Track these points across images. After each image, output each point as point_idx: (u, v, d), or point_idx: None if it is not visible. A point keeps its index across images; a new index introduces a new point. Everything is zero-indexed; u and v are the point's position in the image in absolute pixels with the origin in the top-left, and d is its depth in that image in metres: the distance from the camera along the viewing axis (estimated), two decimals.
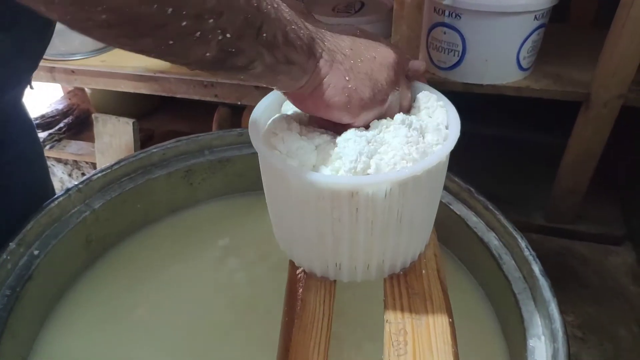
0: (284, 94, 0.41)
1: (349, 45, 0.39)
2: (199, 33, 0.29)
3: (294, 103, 0.41)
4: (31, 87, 0.58)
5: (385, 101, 0.41)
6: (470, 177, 0.63)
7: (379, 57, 0.40)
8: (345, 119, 0.40)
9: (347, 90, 0.38)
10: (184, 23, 0.28)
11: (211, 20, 0.29)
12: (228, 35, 0.30)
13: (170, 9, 0.27)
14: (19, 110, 0.61)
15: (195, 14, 0.28)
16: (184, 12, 0.27)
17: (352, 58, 0.39)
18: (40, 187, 0.67)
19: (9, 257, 0.53)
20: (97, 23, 0.26)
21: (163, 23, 0.27)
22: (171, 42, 0.29)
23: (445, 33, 0.93)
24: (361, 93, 0.38)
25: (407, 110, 0.45)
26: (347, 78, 0.38)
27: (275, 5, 0.33)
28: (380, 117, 0.42)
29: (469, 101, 0.99)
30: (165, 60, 0.31)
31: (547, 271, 0.51)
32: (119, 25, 0.26)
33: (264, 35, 0.32)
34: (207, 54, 0.30)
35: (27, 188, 0.62)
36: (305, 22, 0.37)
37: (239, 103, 1.13)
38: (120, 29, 0.27)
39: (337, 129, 0.41)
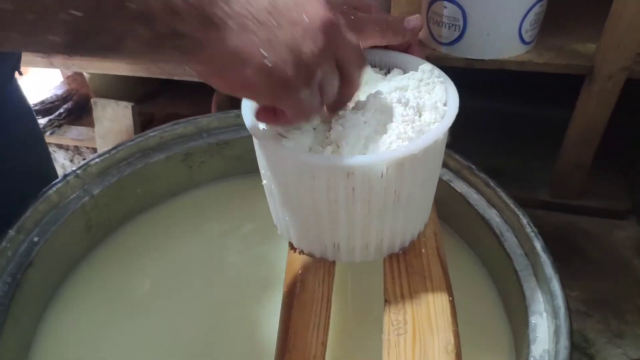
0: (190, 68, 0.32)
1: (265, 6, 0.30)
2: (31, 16, 0.22)
3: (202, 78, 0.33)
4: (20, 73, 0.58)
5: (313, 77, 0.33)
6: (473, 154, 0.62)
7: (303, 20, 0.31)
8: (266, 102, 0.34)
9: (264, 68, 0.30)
10: (4, 5, 0.21)
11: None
12: (78, 14, 0.23)
13: None
14: (12, 93, 0.61)
15: None
16: None
17: (269, 25, 0.30)
18: (40, 172, 0.67)
19: (8, 245, 0.53)
20: None
21: None
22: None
23: (446, 7, 0.91)
24: (282, 71, 0.31)
25: (359, 68, 0.37)
26: (263, 52, 0.30)
27: None
28: (317, 94, 0.35)
29: (470, 76, 0.98)
30: (2, 49, 0.24)
31: (551, 247, 0.51)
32: None
33: (130, 5, 0.25)
34: (56, 39, 0.24)
35: (26, 172, 0.62)
36: None
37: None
38: None
39: (266, 113, 0.36)
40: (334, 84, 0.35)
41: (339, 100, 0.37)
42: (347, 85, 0.37)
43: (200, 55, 0.29)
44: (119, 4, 0.24)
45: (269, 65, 0.30)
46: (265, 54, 0.30)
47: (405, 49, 0.47)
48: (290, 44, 0.31)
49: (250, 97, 0.34)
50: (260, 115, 0.37)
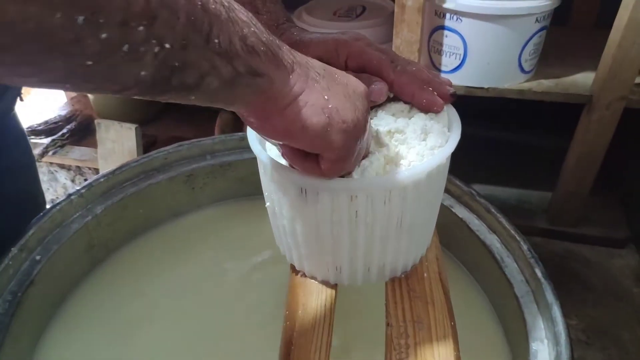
0: (241, 115, 0.32)
1: (321, 66, 0.33)
2: (126, 46, 0.22)
3: (254, 125, 0.33)
4: (21, 99, 0.58)
5: (365, 130, 0.35)
6: (473, 180, 0.63)
7: (350, 84, 0.34)
8: (321, 147, 0.33)
9: (328, 110, 0.31)
10: (104, 35, 0.21)
11: (142, 28, 0.22)
12: (167, 46, 0.23)
13: (81, 17, 0.19)
14: (10, 119, 0.61)
15: (117, 21, 0.21)
16: (102, 20, 0.20)
17: (327, 78, 0.33)
18: (32, 196, 0.67)
19: (10, 263, 0.53)
20: None
21: (73, 38, 0.20)
22: (90, 62, 0.21)
23: (446, 36, 0.93)
24: (343, 115, 0.32)
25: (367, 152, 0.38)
26: (325, 97, 0.32)
27: (226, 4, 0.26)
28: (356, 154, 0.35)
29: (471, 104, 1.00)
30: (88, 88, 0.23)
31: (550, 274, 0.51)
32: (13, 47, 0.19)
33: (216, 41, 0.25)
34: (143, 73, 0.23)
35: (19, 197, 0.62)
36: (265, 28, 0.30)
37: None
38: (17, 53, 0.19)
39: (306, 164, 0.35)
40: (365, 149, 0.37)
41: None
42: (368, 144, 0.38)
43: (269, 94, 0.30)
44: (206, 39, 0.25)
45: (332, 109, 0.32)
46: (327, 98, 0.32)
47: None
48: (347, 95, 0.33)
49: (304, 139, 0.33)
50: (288, 155, 0.36)
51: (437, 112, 0.42)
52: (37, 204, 0.66)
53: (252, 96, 0.30)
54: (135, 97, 0.26)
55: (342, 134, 0.32)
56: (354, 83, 0.35)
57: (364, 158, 0.38)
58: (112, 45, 0.21)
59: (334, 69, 0.35)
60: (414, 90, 0.42)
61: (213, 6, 0.25)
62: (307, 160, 0.35)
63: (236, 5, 0.27)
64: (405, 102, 0.44)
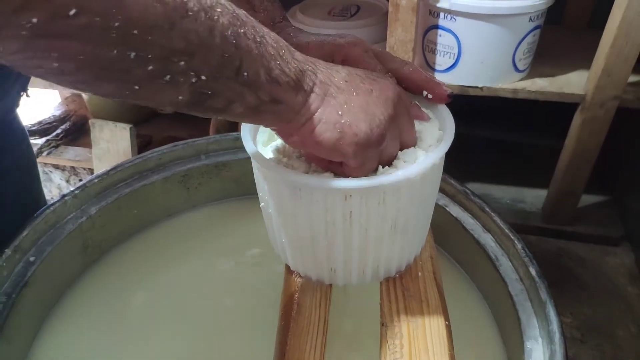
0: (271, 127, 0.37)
1: (344, 77, 0.36)
2: (168, 77, 0.26)
3: (281, 137, 0.37)
4: (27, 95, 0.58)
5: (383, 138, 0.36)
6: (468, 180, 0.63)
7: (376, 89, 0.36)
8: (337, 157, 0.36)
9: (340, 125, 0.34)
10: (150, 67, 0.25)
11: (182, 63, 0.26)
12: (203, 78, 0.27)
13: (133, 54, 0.24)
14: (14, 118, 0.61)
15: (162, 57, 0.25)
16: (150, 56, 0.24)
17: (347, 91, 0.35)
18: (33, 196, 0.67)
19: (4, 264, 0.52)
20: (49, 70, 0.23)
21: (125, 68, 0.24)
22: (137, 87, 0.26)
23: (440, 36, 0.93)
24: (355, 128, 0.34)
25: (411, 146, 0.41)
26: (339, 112, 0.34)
27: (258, 39, 0.30)
28: (378, 157, 0.38)
29: (465, 103, 1.00)
30: (136, 102, 0.28)
31: (545, 273, 0.51)
32: (73, 73, 0.24)
33: (245, 74, 0.29)
34: (180, 98, 0.28)
35: (20, 196, 0.62)
36: (294, 52, 0.33)
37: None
38: (76, 76, 0.24)
39: (332, 167, 0.39)
40: (395, 149, 0.39)
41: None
42: (403, 147, 0.40)
43: (290, 117, 0.34)
44: (236, 72, 0.29)
45: (344, 122, 0.34)
46: (341, 113, 0.34)
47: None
48: (364, 108, 0.35)
49: (323, 152, 0.36)
50: (314, 162, 0.40)
51: (442, 102, 0.44)
52: (39, 203, 0.66)
53: (273, 119, 0.33)
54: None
55: (354, 146, 0.35)
56: (382, 86, 0.37)
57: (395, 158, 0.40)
58: (156, 76, 0.26)
59: (362, 72, 0.37)
60: (421, 80, 0.43)
61: (245, 43, 0.29)
62: (331, 165, 0.39)
63: (268, 38, 0.31)
64: None
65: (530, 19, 0.89)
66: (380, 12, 1.10)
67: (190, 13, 0.25)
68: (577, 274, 0.98)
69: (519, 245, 0.54)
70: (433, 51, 0.96)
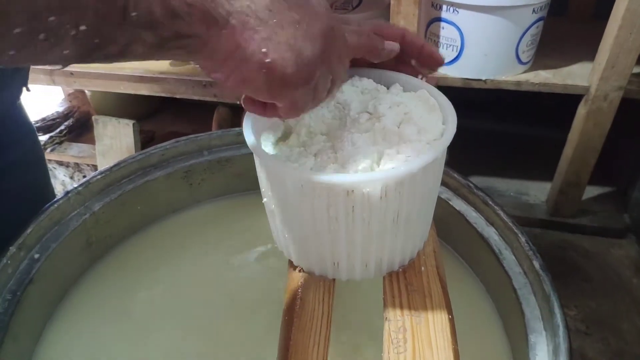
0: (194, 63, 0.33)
1: (267, 5, 0.31)
2: (42, 35, 0.23)
3: (206, 73, 0.33)
4: (27, 90, 0.58)
5: (312, 76, 0.33)
6: (471, 173, 0.63)
7: (305, 20, 0.32)
8: (264, 98, 0.34)
9: (265, 65, 0.31)
10: (17, 30, 0.23)
11: (52, 18, 0.23)
12: (83, 28, 0.24)
13: None
14: (18, 112, 0.61)
15: (27, 18, 0.23)
16: (12, 20, 0.22)
17: (270, 23, 0.31)
18: (42, 190, 0.67)
19: (9, 262, 0.53)
20: None
21: None
22: (12, 52, 0.24)
23: (443, 28, 0.93)
24: (282, 68, 0.31)
25: (342, 82, 0.39)
26: (263, 50, 0.30)
27: None
28: (311, 95, 0.36)
29: (468, 96, 0.99)
30: (24, 64, 0.27)
31: (550, 265, 0.51)
32: None
33: (134, 14, 0.25)
34: (65, 52, 0.25)
35: (29, 191, 0.63)
36: None
37: (239, 102, 1.13)
38: None
39: (267, 112, 0.37)
40: (326, 87, 0.36)
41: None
42: (331, 91, 0.38)
43: (204, 52, 0.30)
44: (122, 15, 0.25)
45: (269, 62, 0.31)
46: (265, 51, 0.31)
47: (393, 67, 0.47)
48: (291, 44, 0.31)
49: (249, 92, 0.34)
50: (248, 105, 0.37)
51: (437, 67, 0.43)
52: (47, 197, 0.66)
53: (187, 55, 0.30)
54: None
55: (282, 87, 0.33)
56: (312, 16, 0.33)
57: (333, 89, 0.38)
58: (28, 36, 0.23)
59: None
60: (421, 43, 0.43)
61: None
62: (266, 109, 0.36)
63: None
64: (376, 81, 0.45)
65: (534, 10, 0.88)
66: (383, 5, 1.09)
67: None
68: (582, 267, 0.98)
69: (522, 239, 0.54)
70: (436, 44, 0.96)
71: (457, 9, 0.89)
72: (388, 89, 0.47)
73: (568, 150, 1.02)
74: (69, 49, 0.25)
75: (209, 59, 0.31)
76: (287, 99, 0.34)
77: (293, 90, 0.33)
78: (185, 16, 0.27)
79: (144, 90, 1.17)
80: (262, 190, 0.44)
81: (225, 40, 0.30)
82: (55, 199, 0.60)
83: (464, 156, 1.10)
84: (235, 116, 1.29)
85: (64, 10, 0.23)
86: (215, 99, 1.15)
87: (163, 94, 1.16)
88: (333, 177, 0.37)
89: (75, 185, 0.62)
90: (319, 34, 0.33)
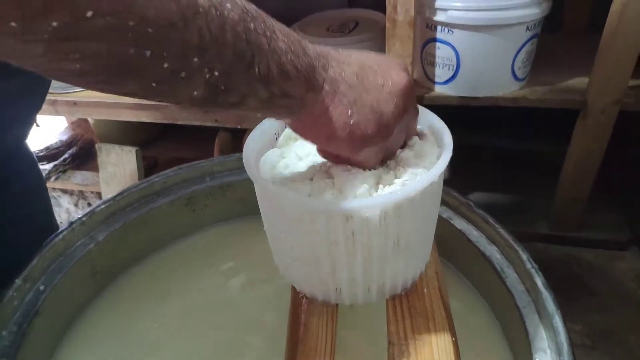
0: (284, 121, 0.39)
1: (355, 72, 0.36)
2: (184, 73, 0.27)
3: (294, 131, 0.39)
4: (37, 125, 0.60)
5: (390, 135, 0.38)
6: (472, 190, 0.63)
7: (387, 84, 0.37)
8: (345, 153, 0.38)
9: (349, 126, 0.35)
10: (166, 65, 0.26)
11: (196, 59, 0.27)
12: (216, 73, 0.28)
13: (148, 52, 0.25)
14: (24, 145, 0.63)
15: (177, 54, 0.26)
16: (165, 54, 0.26)
17: (358, 88, 0.36)
18: (44, 221, 0.68)
19: (15, 294, 0.53)
20: (70, 72, 0.24)
21: (142, 66, 0.26)
22: (154, 84, 0.27)
23: (439, 48, 0.94)
24: (364, 129, 0.36)
25: (413, 135, 0.43)
26: (349, 113, 0.35)
27: (269, 34, 0.31)
28: (385, 151, 0.40)
29: (467, 113, 1.00)
30: (153, 100, 0.29)
31: (554, 280, 0.51)
32: (93, 73, 0.25)
33: (257, 69, 0.30)
34: (195, 93, 0.29)
35: (32, 222, 0.63)
36: (306, 47, 0.34)
37: (240, 127, 1.14)
38: (96, 76, 0.25)
39: (339, 160, 0.40)
40: (400, 142, 0.41)
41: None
42: (407, 138, 0.42)
43: (301, 112, 0.35)
44: (248, 67, 0.30)
45: (352, 123, 0.35)
46: (350, 114, 0.35)
47: None
48: (374, 106, 0.36)
49: (333, 149, 0.38)
50: (323, 155, 0.41)
51: None
52: (50, 227, 0.67)
53: (285, 112, 0.35)
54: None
55: (361, 145, 0.37)
56: (394, 79, 0.37)
57: (403, 147, 0.42)
58: (172, 72, 0.27)
59: (374, 64, 0.37)
60: None
61: (256, 38, 0.30)
62: (339, 158, 0.40)
63: (279, 33, 0.31)
64: None
65: (527, 28, 0.90)
66: (379, 27, 1.11)
67: (202, 10, 0.26)
68: (586, 281, 0.98)
69: (524, 256, 0.54)
70: (432, 64, 0.97)
71: (451, 29, 0.90)
72: None
73: (568, 165, 1.02)
74: (199, 90, 0.29)
75: (305, 119, 0.35)
76: (364, 155, 0.38)
77: (373, 147, 0.38)
78: (294, 78, 0.32)
79: (145, 117, 1.18)
80: (263, 217, 0.45)
81: (320, 103, 0.34)
82: (60, 230, 0.60)
83: (465, 173, 1.11)
84: (236, 141, 1.30)
85: (206, 53, 0.27)
86: (216, 124, 1.16)
87: (165, 121, 1.18)
88: (331, 203, 0.38)
89: (79, 216, 0.63)
90: (400, 94, 0.37)
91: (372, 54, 0.39)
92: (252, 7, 0.30)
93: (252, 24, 0.29)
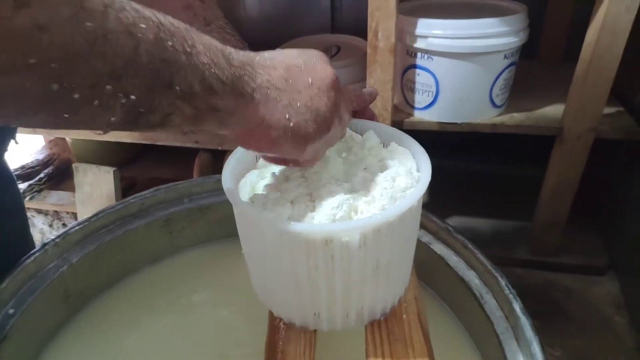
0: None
1: (282, 75, 0.35)
2: (96, 102, 0.25)
3: (235, 142, 0.38)
4: (16, 142, 0.59)
5: (329, 128, 0.38)
6: (452, 213, 0.64)
7: (315, 81, 0.37)
8: (291, 155, 0.38)
9: (290, 129, 0.35)
10: (76, 95, 0.24)
11: (109, 87, 0.25)
12: (133, 97, 0.27)
13: (55, 85, 0.23)
14: (2, 163, 0.61)
15: (86, 85, 0.24)
16: (73, 86, 0.24)
17: (289, 90, 0.35)
18: (20, 240, 0.66)
19: None
20: None
21: (50, 99, 0.24)
22: (66, 115, 0.25)
23: (418, 75, 0.95)
24: (305, 128, 0.36)
25: (351, 118, 0.45)
26: (287, 116, 0.35)
27: (188, 50, 0.29)
28: (327, 144, 0.40)
29: (447, 138, 1.02)
30: (71, 129, 0.27)
31: (532, 305, 0.51)
32: (1, 107, 0.23)
33: (177, 88, 0.29)
34: (113, 119, 0.27)
35: (8, 241, 0.62)
36: (230, 57, 0.32)
37: (220, 148, 1.14)
38: (2, 110, 0.24)
39: (285, 163, 0.41)
40: (341, 130, 0.41)
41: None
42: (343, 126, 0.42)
43: (232, 122, 0.33)
44: (167, 86, 0.28)
45: (292, 125, 0.35)
46: (288, 117, 0.35)
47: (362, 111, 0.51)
48: (309, 105, 0.36)
49: (278, 153, 0.38)
50: (269, 161, 0.42)
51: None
52: (26, 247, 0.65)
53: (217, 126, 0.33)
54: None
55: (306, 145, 0.37)
56: (320, 74, 0.37)
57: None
58: (84, 102, 0.25)
59: (299, 62, 0.37)
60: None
61: (173, 57, 0.28)
62: (287, 160, 0.41)
63: (201, 46, 0.30)
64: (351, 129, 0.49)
65: (505, 56, 0.92)
66: (360, 53, 1.12)
67: (111, 36, 0.25)
68: (565, 306, 0.98)
69: (502, 282, 0.54)
70: (412, 90, 0.98)
71: (431, 56, 0.92)
72: (362, 136, 0.48)
73: (546, 190, 1.04)
74: (116, 116, 0.27)
75: (241, 129, 0.35)
76: (310, 152, 0.38)
77: (316, 143, 0.38)
78: (220, 92, 0.31)
79: (125, 137, 1.17)
80: (242, 240, 0.44)
81: (254, 113, 0.34)
82: (32, 252, 0.59)
83: (444, 197, 1.12)
84: (216, 162, 1.30)
85: (120, 80, 0.26)
86: (196, 145, 1.16)
87: (144, 141, 1.17)
88: (310, 227, 0.37)
89: (53, 237, 0.61)
90: (329, 88, 0.38)
91: (293, 51, 0.38)
92: (168, 22, 0.28)
93: (169, 42, 0.28)
